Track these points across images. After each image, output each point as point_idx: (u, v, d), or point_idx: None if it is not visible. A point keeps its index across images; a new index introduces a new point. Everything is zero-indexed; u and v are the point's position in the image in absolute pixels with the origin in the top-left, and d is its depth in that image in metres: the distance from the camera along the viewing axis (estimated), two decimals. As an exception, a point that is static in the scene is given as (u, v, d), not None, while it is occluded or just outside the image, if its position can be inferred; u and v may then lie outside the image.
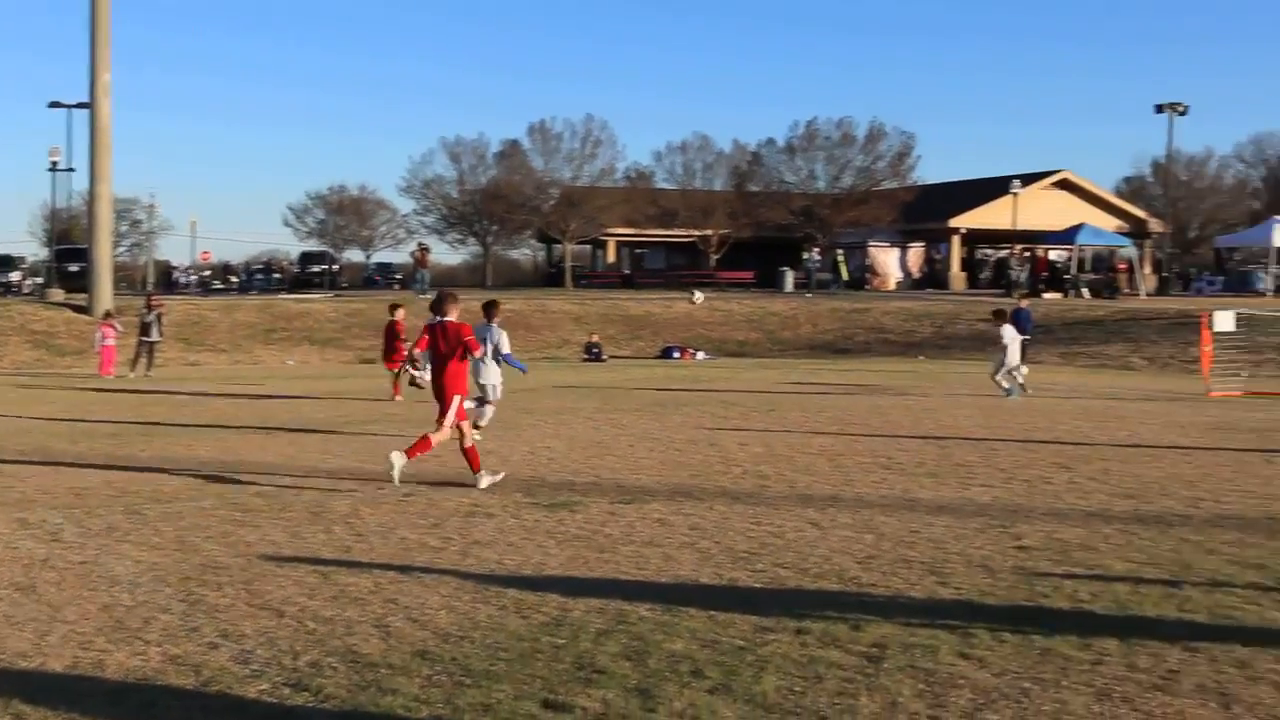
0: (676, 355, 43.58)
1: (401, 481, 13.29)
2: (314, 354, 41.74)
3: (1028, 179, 70.22)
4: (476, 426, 15.86)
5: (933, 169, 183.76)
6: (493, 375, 17.64)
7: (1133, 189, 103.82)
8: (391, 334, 26.03)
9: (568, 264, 77.67)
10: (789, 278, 67.88)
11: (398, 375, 24.81)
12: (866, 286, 70.31)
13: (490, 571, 9.42)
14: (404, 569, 9.47)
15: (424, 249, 60.07)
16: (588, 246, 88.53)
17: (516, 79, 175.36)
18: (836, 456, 15.89)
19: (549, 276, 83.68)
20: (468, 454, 13.50)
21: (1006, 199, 64.81)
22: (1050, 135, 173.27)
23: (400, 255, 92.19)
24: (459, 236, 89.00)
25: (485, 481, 13.28)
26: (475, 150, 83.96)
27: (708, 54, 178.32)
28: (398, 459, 13.32)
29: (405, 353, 25.03)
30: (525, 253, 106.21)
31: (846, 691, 6.64)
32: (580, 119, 78.94)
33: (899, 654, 7.29)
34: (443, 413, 13.48)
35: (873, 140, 77.44)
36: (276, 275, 74.88)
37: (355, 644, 7.52)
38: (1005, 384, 24.86)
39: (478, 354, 13.59)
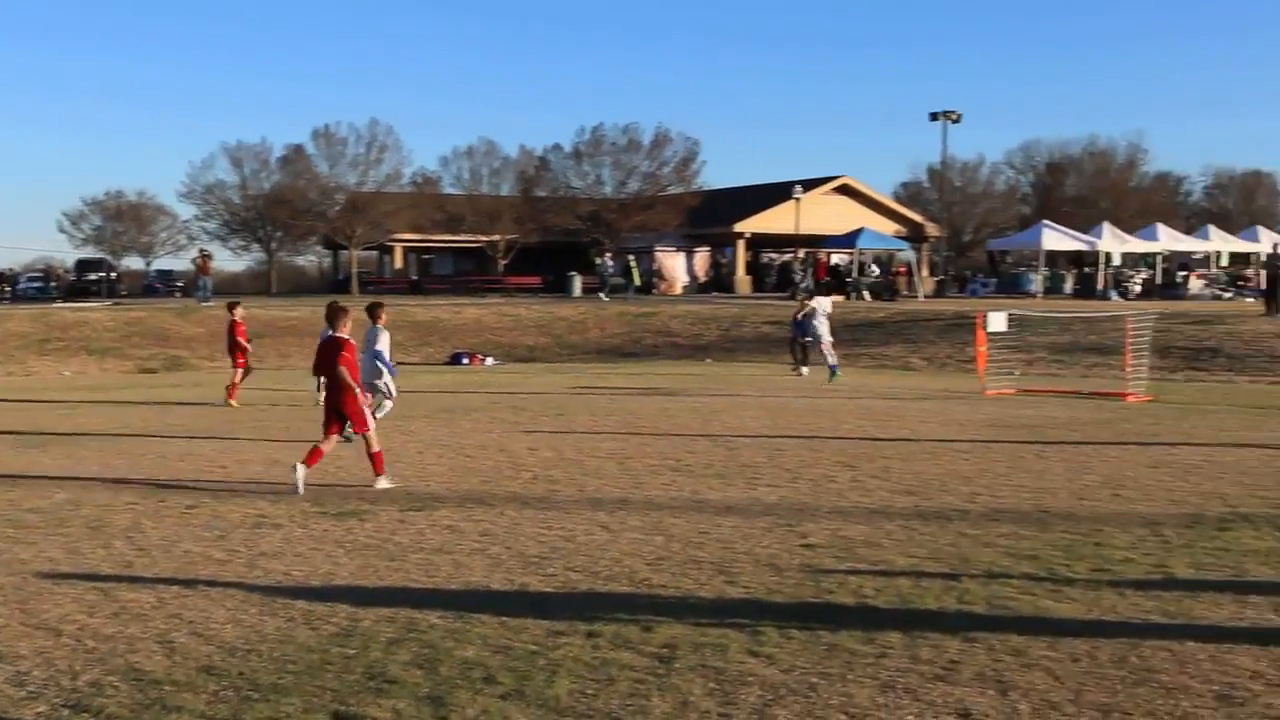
0: (465, 361, 43.34)
1: (306, 487, 13.40)
2: (92, 364, 40.43)
3: (809, 184, 71.55)
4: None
5: (718, 174, 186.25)
6: (376, 374, 18.56)
7: (910, 194, 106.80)
8: (232, 333, 25.46)
9: (354, 270, 76.77)
10: (577, 283, 68.08)
11: (244, 376, 24.75)
12: (654, 290, 70.93)
13: (278, 583, 9.28)
14: (188, 583, 9.26)
15: (206, 256, 58.90)
16: (375, 253, 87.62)
17: (298, 83, 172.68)
18: (626, 459, 15.99)
19: (335, 283, 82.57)
20: (313, 453, 13.72)
21: (789, 204, 65.99)
22: (831, 141, 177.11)
23: (182, 262, 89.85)
24: (242, 243, 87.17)
25: (301, 473, 13.42)
26: (258, 155, 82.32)
27: (493, 58, 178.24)
28: (382, 482, 13.68)
29: (246, 359, 24.91)
30: (311, 259, 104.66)
31: (638, 693, 6.70)
32: (365, 123, 78.13)
33: (690, 654, 7.38)
34: (354, 422, 13.79)
35: (658, 146, 78.22)
36: (53, 284, 72.32)
37: (138, 661, 7.34)
38: (831, 359, 26.69)
39: (346, 374, 13.67)
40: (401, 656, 7.36)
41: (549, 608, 8.46)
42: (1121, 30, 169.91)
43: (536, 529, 11.35)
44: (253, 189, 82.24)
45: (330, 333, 14.09)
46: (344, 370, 13.58)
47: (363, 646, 7.57)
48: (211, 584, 9.23)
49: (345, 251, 79.01)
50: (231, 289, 77.58)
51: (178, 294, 70.50)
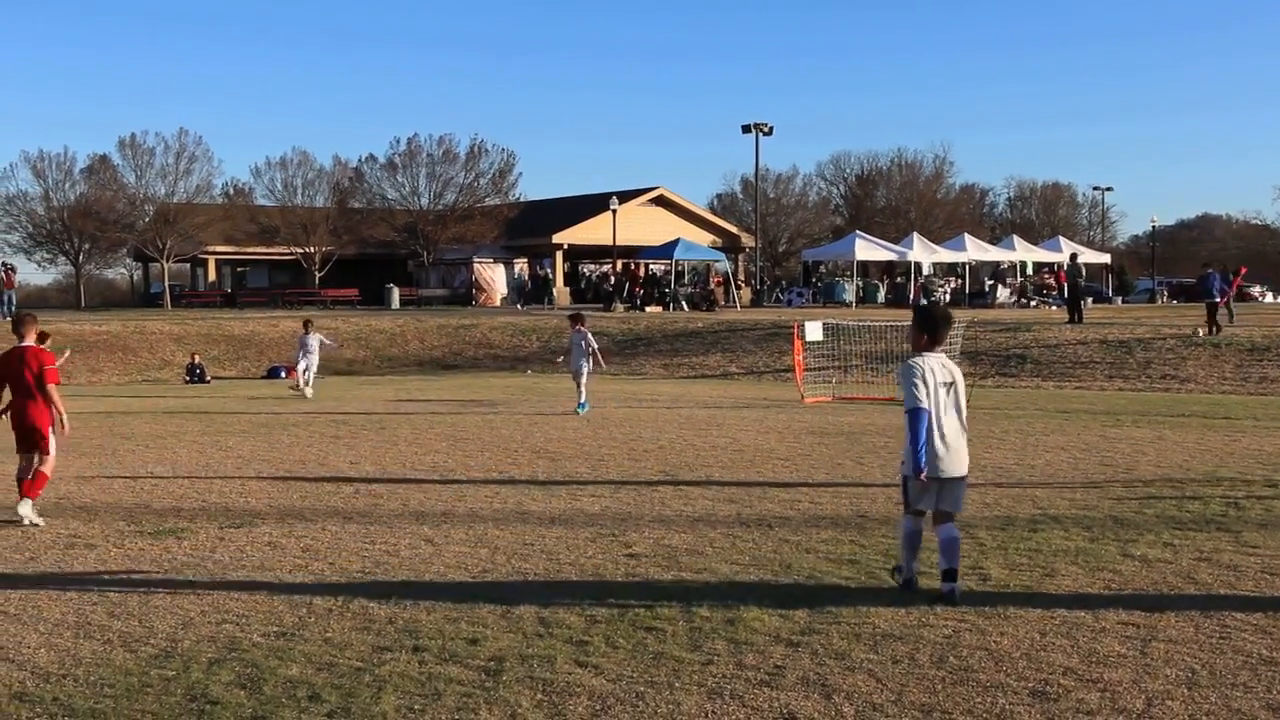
0: (283, 375, 42.71)
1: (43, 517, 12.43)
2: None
3: (625, 196, 72.13)
4: None
5: (535, 186, 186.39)
6: None
7: (725, 205, 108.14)
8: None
9: (166, 283, 75.13)
10: (395, 295, 67.58)
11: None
12: (473, 303, 70.71)
13: (94, 605, 9.02)
14: (-3, 607, 8.97)
15: (9, 269, 57.03)
16: (187, 265, 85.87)
17: (103, 96, 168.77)
18: (449, 472, 15.90)
19: (147, 296, 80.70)
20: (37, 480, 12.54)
21: (606, 215, 66.32)
22: (646, 153, 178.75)
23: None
24: (48, 255, 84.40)
25: (26, 510, 12.25)
26: (60, 165, 79.73)
27: (303, 69, 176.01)
28: (24, 508, 12.24)
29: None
30: (121, 272, 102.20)
31: (466, 706, 6.67)
32: (173, 133, 76.44)
33: (517, 665, 7.37)
34: (43, 446, 12.52)
35: (474, 157, 78.16)
36: None
37: (-54, 689, 7.09)
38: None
39: (51, 385, 12.42)
40: (223, 677, 7.22)
41: (374, 623, 8.38)
42: (925, 43, 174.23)
43: (359, 543, 11.22)
44: (57, 200, 79.65)
45: (21, 343, 12.73)
46: (45, 382, 12.48)
47: (183, 668, 7.41)
48: (24, 607, 8.95)
49: (156, 264, 77.22)
50: (38, 304, 75.43)
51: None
